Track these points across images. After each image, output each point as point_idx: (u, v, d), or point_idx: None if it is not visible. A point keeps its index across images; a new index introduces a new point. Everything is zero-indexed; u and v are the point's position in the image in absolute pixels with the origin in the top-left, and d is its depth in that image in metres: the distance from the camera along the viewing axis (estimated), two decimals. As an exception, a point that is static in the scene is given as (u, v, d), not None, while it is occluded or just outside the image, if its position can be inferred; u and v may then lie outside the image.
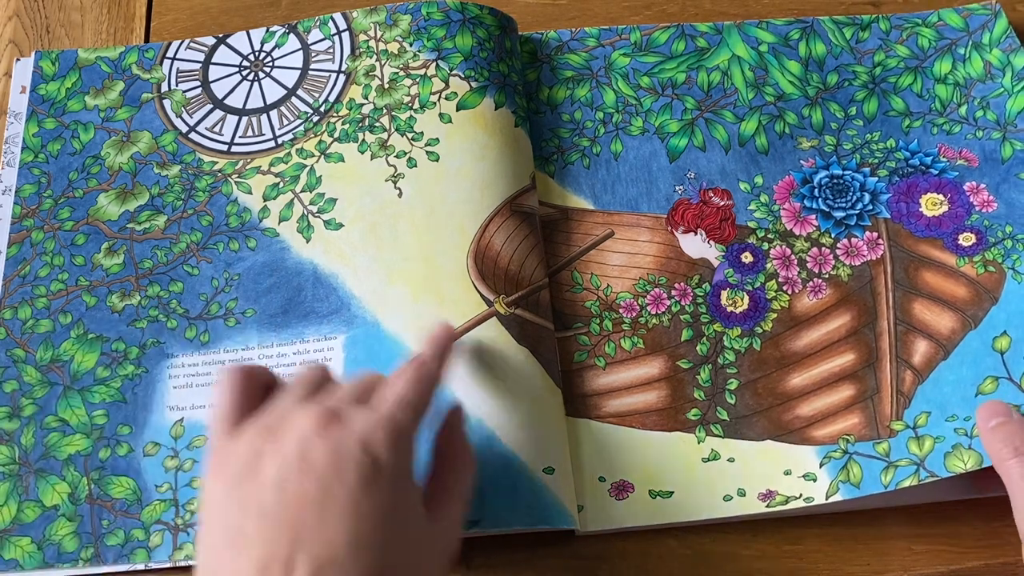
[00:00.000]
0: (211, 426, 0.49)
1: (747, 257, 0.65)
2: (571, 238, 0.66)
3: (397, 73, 0.69)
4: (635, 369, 0.62)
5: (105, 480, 0.58)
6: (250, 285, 0.63)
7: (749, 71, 0.71)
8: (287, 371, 0.61)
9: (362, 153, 0.67)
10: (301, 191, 0.66)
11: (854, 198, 0.66)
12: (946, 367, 0.61)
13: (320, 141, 0.67)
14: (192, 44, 0.72)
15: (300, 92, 0.69)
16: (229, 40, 0.72)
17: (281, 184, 0.66)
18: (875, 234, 0.65)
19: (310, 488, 0.43)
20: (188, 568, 0.57)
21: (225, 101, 0.70)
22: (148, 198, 0.66)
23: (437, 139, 0.66)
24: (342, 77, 0.69)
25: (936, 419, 0.59)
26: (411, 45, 0.69)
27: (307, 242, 0.64)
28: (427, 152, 0.66)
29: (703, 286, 0.64)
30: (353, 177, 0.66)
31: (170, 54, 0.72)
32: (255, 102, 0.70)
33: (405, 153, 0.66)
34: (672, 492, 0.58)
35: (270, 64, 0.71)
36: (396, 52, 0.69)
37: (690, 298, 0.64)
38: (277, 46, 0.71)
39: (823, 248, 0.65)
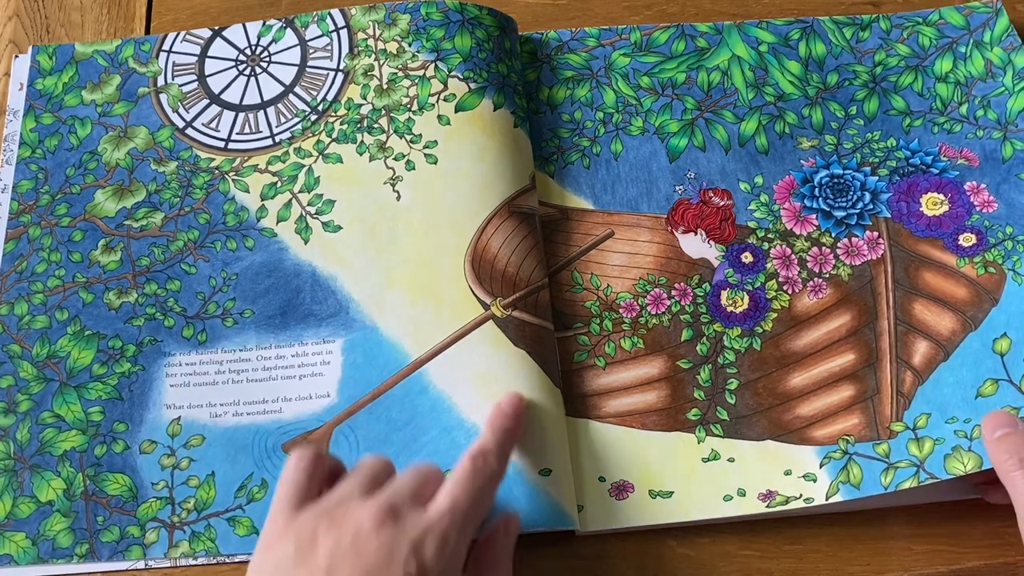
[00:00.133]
0: (274, 503, 0.50)
1: (747, 257, 0.64)
2: (571, 238, 0.65)
3: (396, 74, 0.68)
4: (635, 369, 0.62)
5: (100, 477, 0.58)
6: (248, 285, 0.63)
7: (749, 71, 0.71)
8: (285, 372, 0.61)
9: (360, 155, 0.66)
10: (299, 191, 0.66)
11: (854, 197, 0.66)
12: (946, 368, 0.61)
13: (318, 141, 0.67)
14: (188, 37, 0.72)
15: (298, 89, 0.69)
16: (225, 33, 0.72)
17: (279, 184, 0.66)
18: (875, 233, 0.65)
19: None
20: (184, 567, 0.56)
21: (222, 96, 0.70)
22: (145, 195, 0.66)
23: (435, 141, 0.66)
24: (340, 76, 0.69)
25: (936, 420, 0.59)
26: (410, 45, 0.69)
27: (305, 243, 0.64)
28: (425, 154, 0.66)
29: (703, 286, 0.64)
30: (352, 179, 0.66)
31: (166, 47, 0.71)
32: (252, 98, 0.69)
33: (404, 155, 0.66)
34: (672, 492, 0.58)
35: (267, 59, 0.71)
36: (395, 52, 0.69)
37: (690, 298, 0.63)
38: (274, 40, 0.71)
39: (823, 248, 0.65)
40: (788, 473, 0.58)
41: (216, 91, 0.70)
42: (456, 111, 0.67)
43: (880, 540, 0.58)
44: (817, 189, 0.67)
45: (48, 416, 0.59)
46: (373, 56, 0.69)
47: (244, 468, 0.58)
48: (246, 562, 0.56)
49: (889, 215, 0.66)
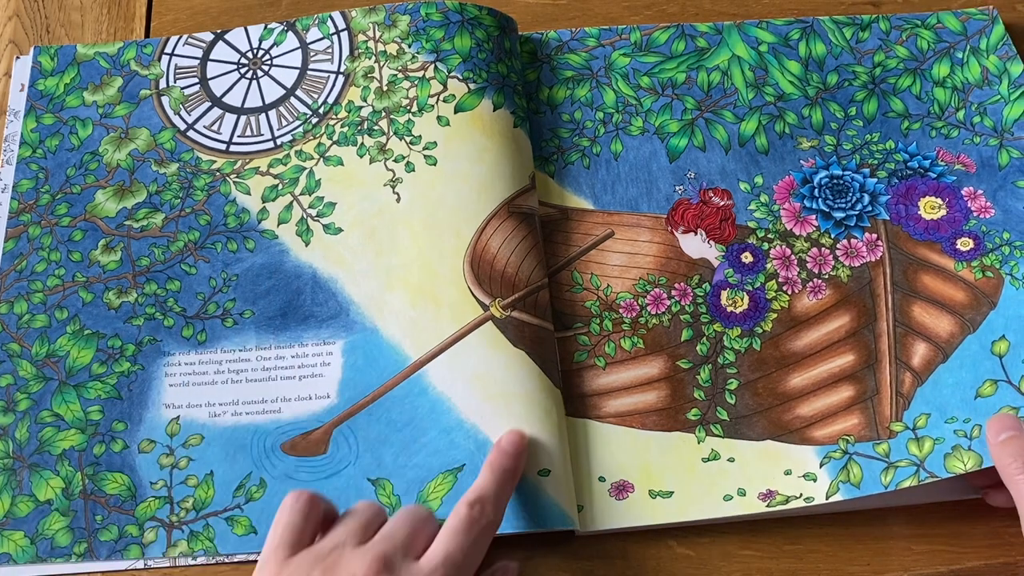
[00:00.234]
0: (267, 544, 0.50)
1: (747, 257, 0.65)
2: (571, 238, 0.66)
3: (396, 75, 0.68)
4: (635, 369, 0.61)
5: (99, 476, 0.58)
6: (248, 286, 0.63)
7: (749, 71, 0.71)
8: (285, 373, 0.61)
9: (361, 157, 0.67)
10: (300, 194, 0.66)
11: (854, 199, 0.66)
12: (945, 369, 0.61)
13: (319, 144, 0.67)
14: (190, 40, 0.72)
15: (299, 92, 0.69)
16: (227, 36, 0.72)
17: (280, 186, 0.66)
18: (874, 235, 0.65)
19: None
20: (184, 567, 0.56)
21: (223, 99, 0.70)
22: (146, 195, 0.66)
23: (435, 142, 0.66)
24: (341, 78, 0.69)
25: (936, 420, 0.59)
26: (410, 46, 0.69)
27: (306, 245, 0.64)
28: (425, 156, 0.66)
29: (703, 286, 0.64)
30: (352, 181, 0.66)
31: (168, 50, 0.71)
32: (253, 101, 0.69)
33: (403, 157, 0.66)
34: (672, 492, 0.58)
35: (268, 62, 0.71)
36: (395, 53, 0.69)
37: (690, 298, 0.63)
38: (275, 44, 0.71)
39: (823, 248, 0.65)
40: (788, 473, 0.58)
41: (218, 94, 0.70)
42: (456, 112, 0.67)
43: (880, 540, 0.58)
44: (817, 190, 0.67)
45: (47, 415, 0.59)
46: (373, 58, 0.69)
47: (243, 468, 0.58)
48: (245, 562, 0.56)
49: (888, 217, 0.66)
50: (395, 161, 0.66)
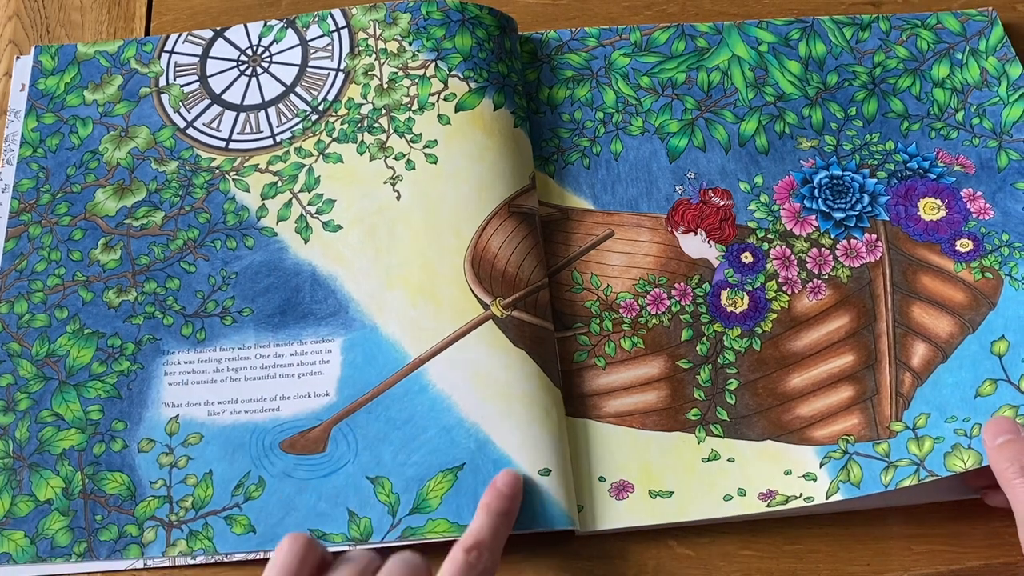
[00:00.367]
0: None
1: (747, 257, 0.65)
2: (571, 238, 0.65)
3: (396, 73, 0.68)
4: (635, 369, 0.62)
5: (99, 475, 0.57)
6: (247, 284, 0.63)
7: (749, 71, 0.71)
8: (284, 371, 0.61)
9: (361, 154, 0.67)
10: (299, 191, 0.66)
11: (853, 199, 0.67)
12: (945, 370, 0.61)
13: (319, 141, 0.67)
14: (190, 37, 0.72)
15: (298, 89, 0.69)
16: (226, 33, 0.72)
17: (279, 183, 0.66)
18: (874, 236, 0.65)
19: None
20: (183, 567, 0.56)
21: (223, 96, 0.70)
22: (146, 194, 0.66)
23: (435, 141, 0.66)
24: (341, 75, 0.69)
25: (935, 420, 0.59)
26: (410, 44, 0.69)
27: (305, 243, 0.64)
28: (425, 154, 0.66)
29: (703, 286, 0.64)
30: (352, 178, 0.66)
31: (168, 47, 0.71)
32: (253, 98, 0.69)
33: (404, 155, 0.66)
34: (672, 492, 0.58)
35: (268, 59, 0.71)
36: (395, 51, 0.69)
37: (690, 298, 0.63)
38: (275, 41, 0.71)
39: (823, 249, 0.65)
40: (788, 473, 0.58)
41: (217, 91, 0.70)
42: (456, 111, 0.67)
43: (880, 540, 0.58)
44: (817, 190, 0.67)
45: (47, 415, 0.59)
46: (374, 56, 0.69)
47: (242, 466, 0.58)
48: (243, 561, 0.56)
49: (887, 218, 0.66)
50: (395, 159, 0.66)
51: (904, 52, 0.73)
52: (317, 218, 0.65)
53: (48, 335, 0.61)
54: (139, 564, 0.56)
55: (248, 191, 0.66)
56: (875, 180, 0.67)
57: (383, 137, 0.67)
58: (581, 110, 0.70)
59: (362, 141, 0.67)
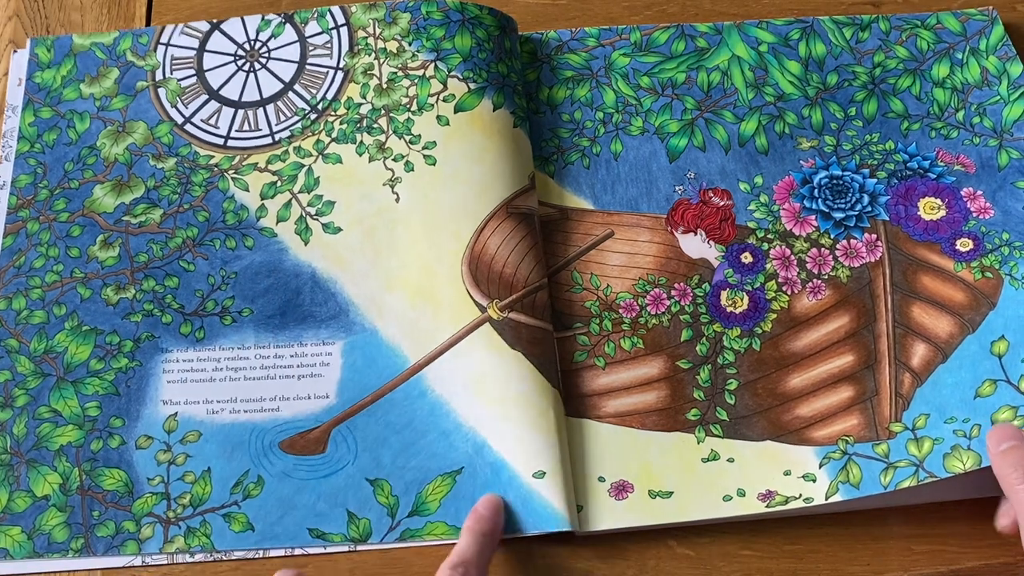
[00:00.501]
0: None
1: (747, 257, 0.65)
2: (571, 238, 0.65)
3: (395, 73, 0.68)
4: (635, 369, 0.61)
5: (96, 472, 0.57)
6: (247, 284, 0.63)
7: (749, 71, 0.71)
8: (284, 372, 0.61)
9: (360, 155, 0.66)
10: (299, 191, 0.66)
11: (853, 199, 0.67)
12: (944, 370, 0.61)
13: (318, 141, 0.67)
14: (186, 29, 0.71)
15: (297, 87, 0.69)
16: (223, 27, 0.72)
17: (279, 183, 0.66)
18: (874, 236, 0.65)
19: None
20: (181, 564, 0.56)
21: (220, 92, 0.69)
22: (144, 191, 0.66)
23: (434, 142, 0.66)
24: (340, 74, 0.69)
25: (935, 421, 0.59)
26: (410, 44, 0.69)
27: (305, 245, 0.64)
28: (424, 155, 0.66)
29: (703, 286, 0.64)
30: (351, 180, 0.66)
31: (164, 39, 0.71)
32: (251, 95, 0.69)
33: (403, 156, 0.66)
34: (672, 492, 0.58)
35: (266, 55, 0.71)
36: (395, 51, 0.69)
37: (690, 298, 0.63)
38: (273, 36, 0.71)
39: (822, 249, 0.65)
40: (788, 473, 0.58)
41: (215, 86, 0.69)
42: (455, 111, 0.67)
43: (880, 540, 0.58)
44: (816, 190, 0.67)
45: (45, 411, 0.59)
46: (373, 55, 0.69)
47: (240, 465, 0.58)
48: (243, 560, 0.56)
49: (887, 218, 0.66)
50: (394, 160, 0.66)
51: (904, 52, 0.73)
52: (317, 220, 0.65)
53: (46, 331, 0.61)
54: (137, 561, 0.56)
55: (247, 190, 0.66)
56: (875, 180, 0.67)
57: (382, 138, 0.67)
58: (581, 110, 0.70)
59: (361, 142, 0.67)
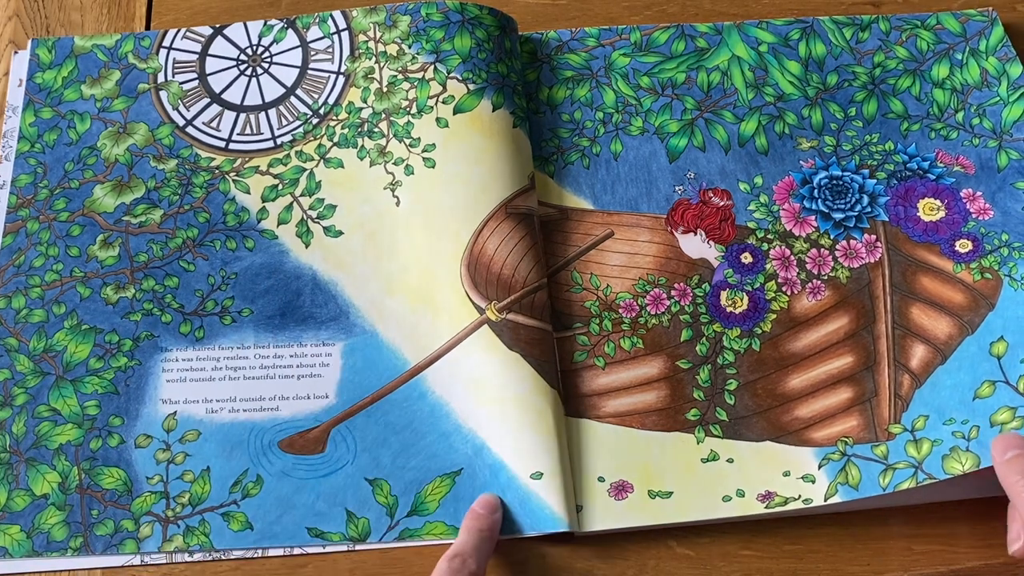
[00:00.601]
0: None
1: (747, 257, 0.65)
2: (570, 238, 0.65)
3: (396, 76, 0.68)
4: (635, 369, 0.61)
5: (96, 470, 0.57)
6: (247, 285, 0.63)
7: (749, 71, 0.72)
8: (283, 372, 0.61)
9: (361, 159, 0.67)
10: (300, 195, 0.66)
11: (853, 199, 0.67)
12: (943, 371, 0.61)
13: (320, 145, 0.67)
14: (188, 34, 0.72)
15: (299, 92, 0.69)
16: (226, 31, 0.72)
17: (280, 186, 0.66)
18: (873, 237, 0.65)
19: None
20: (181, 563, 0.56)
21: (223, 96, 0.70)
22: (144, 191, 0.66)
23: (434, 144, 0.66)
24: (341, 79, 0.69)
25: (934, 422, 0.59)
26: (410, 47, 0.69)
27: (306, 247, 0.64)
28: (424, 158, 0.66)
29: (703, 286, 0.64)
30: (352, 184, 0.66)
31: (166, 43, 0.71)
32: (253, 99, 0.69)
33: (403, 160, 0.66)
34: (672, 492, 0.58)
35: (268, 60, 0.71)
36: (395, 54, 0.69)
37: (690, 298, 0.63)
38: (275, 41, 0.71)
39: (822, 249, 0.65)
40: (787, 474, 0.58)
41: (217, 90, 0.70)
42: (455, 113, 0.67)
43: (880, 540, 0.58)
44: (816, 190, 0.67)
45: (44, 410, 0.59)
46: (374, 59, 0.69)
47: (239, 464, 0.58)
48: (242, 559, 0.56)
49: (887, 219, 0.66)
50: (395, 164, 0.66)
51: (904, 52, 0.73)
52: (318, 223, 0.65)
53: (46, 330, 0.61)
54: (135, 560, 0.56)
55: (248, 192, 0.66)
56: (875, 181, 0.67)
57: (383, 142, 0.67)
58: (581, 110, 0.70)
59: (362, 146, 0.67)
